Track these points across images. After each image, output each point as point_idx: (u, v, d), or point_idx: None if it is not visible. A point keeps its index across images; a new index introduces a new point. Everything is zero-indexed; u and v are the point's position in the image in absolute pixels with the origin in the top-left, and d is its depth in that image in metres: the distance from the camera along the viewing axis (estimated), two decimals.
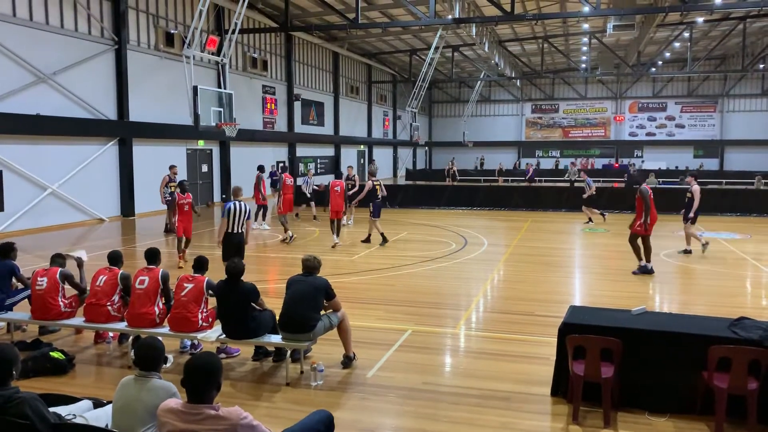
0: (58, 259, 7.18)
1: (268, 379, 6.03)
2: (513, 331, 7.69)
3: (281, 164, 20.54)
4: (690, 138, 47.85)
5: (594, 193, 19.42)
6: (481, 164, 47.32)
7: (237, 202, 9.43)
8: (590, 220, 19.15)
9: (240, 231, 9.39)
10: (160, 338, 4.07)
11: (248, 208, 9.49)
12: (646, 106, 49.18)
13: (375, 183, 14.60)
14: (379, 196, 14.60)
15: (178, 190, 12.33)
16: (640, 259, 11.12)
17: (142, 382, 3.63)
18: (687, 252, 13.16)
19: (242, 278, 6.22)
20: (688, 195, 13.06)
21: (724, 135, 47.14)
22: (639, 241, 11.12)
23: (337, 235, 14.46)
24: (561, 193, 24.55)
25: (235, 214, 9.32)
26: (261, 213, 17.50)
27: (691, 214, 12.85)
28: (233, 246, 9.35)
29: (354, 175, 17.31)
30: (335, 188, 14.62)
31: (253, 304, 6.18)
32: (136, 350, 3.82)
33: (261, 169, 17.43)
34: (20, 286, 7.48)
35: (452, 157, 43.60)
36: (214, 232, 16.20)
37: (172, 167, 16.42)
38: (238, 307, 6.07)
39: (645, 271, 11.01)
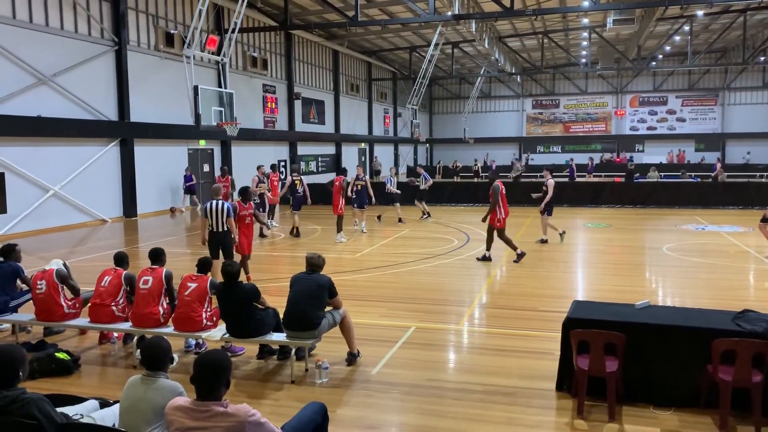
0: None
1: (273, 377, 6.05)
2: (517, 326, 7.70)
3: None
4: (691, 131, 47.77)
5: (427, 188, 19.38)
6: (527, 161, 47.12)
7: (214, 201, 9.36)
8: (426, 213, 19.11)
9: (222, 230, 9.32)
10: (165, 338, 4.08)
11: (227, 206, 9.35)
12: (646, 100, 49.11)
13: (295, 179, 15.47)
14: (299, 191, 15.33)
15: (239, 198, 10.06)
16: (514, 248, 11.82)
17: (149, 381, 3.64)
18: (543, 241, 13.99)
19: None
20: (544, 188, 13.99)
21: (725, 128, 47.06)
22: (495, 233, 11.83)
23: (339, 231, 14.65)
24: (562, 189, 24.51)
25: (213, 213, 9.28)
26: (269, 212, 17.46)
27: (542, 206, 13.97)
28: (216, 245, 9.36)
29: (363, 176, 16.66)
30: (336, 184, 14.77)
31: (256, 304, 6.20)
32: (142, 350, 3.84)
33: (273, 168, 17.43)
34: (25, 287, 7.49)
35: (486, 153, 43.36)
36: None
37: (259, 167, 15.85)
38: (239, 308, 6.08)
39: (485, 259, 11.81)
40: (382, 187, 19.34)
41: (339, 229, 14.73)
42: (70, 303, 6.86)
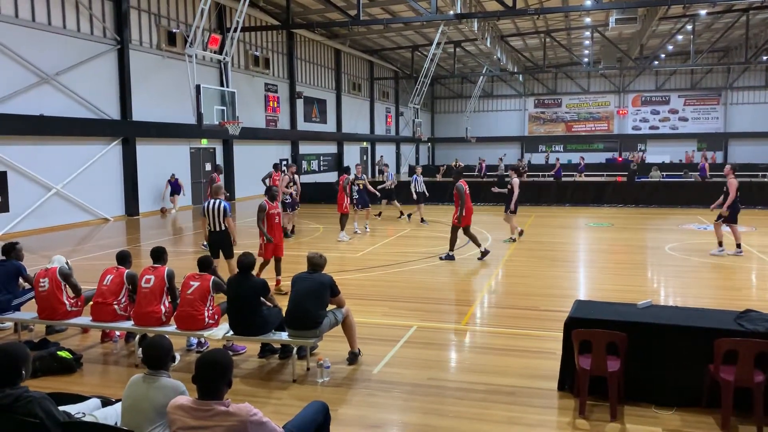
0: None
1: (274, 376, 6.06)
2: (518, 326, 7.69)
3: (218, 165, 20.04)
4: (693, 131, 47.70)
5: (392, 187, 19.13)
6: (546, 159, 47.16)
7: (211, 201, 9.31)
8: (402, 213, 18.79)
9: (219, 229, 9.27)
10: (167, 336, 4.08)
11: (224, 205, 9.27)
12: (649, 100, 49.04)
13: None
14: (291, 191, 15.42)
15: (266, 197, 9.71)
16: (451, 248, 12.06)
17: (151, 380, 3.65)
18: (512, 240, 14.24)
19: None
20: (509, 187, 14.14)
21: (728, 127, 46.96)
22: (459, 232, 11.94)
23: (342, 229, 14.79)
24: (565, 188, 24.53)
25: (210, 213, 9.24)
26: None
27: (512, 206, 14.04)
28: (214, 244, 9.34)
29: (362, 176, 16.26)
30: (340, 183, 14.88)
31: (263, 300, 6.21)
32: (144, 349, 3.85)
33: (275, 167, 17.35)
34: (27, 286, 7.50)
35: (504, 153, 43.15)
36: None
37: (290, 166, 15.67)
38: (246, 300, 6.09)
39: (484, 254, 11.95)
40: (406, 187, 19.15)
41: (342, 228, 14.75)
42: (72, 301, 6.87)
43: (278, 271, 9.59)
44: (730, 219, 12.31)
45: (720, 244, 12.45)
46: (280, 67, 30.47)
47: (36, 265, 11.01)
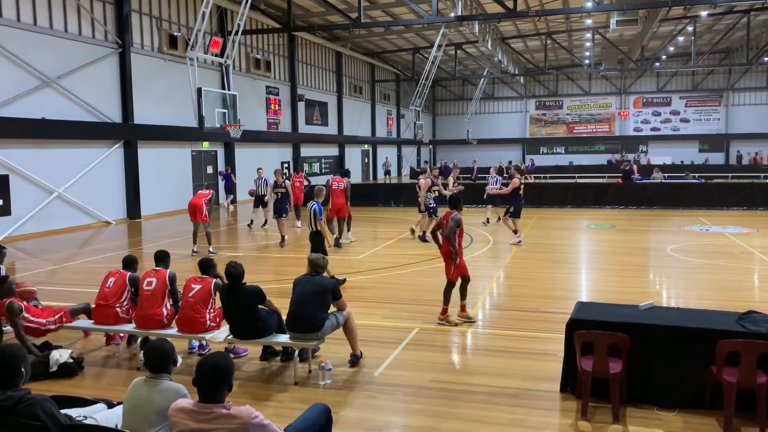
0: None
1: (276, 379, 6.05)
2: (520, 327, 7.68)
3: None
4: (695, 132, 47.70)
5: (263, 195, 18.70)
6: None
7: (311, 202, 9.87)
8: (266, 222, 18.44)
9: (314, 230, 9.71)
10: (169, 339, 4.08)
11: (314, 208, 9.66)
12: (650, 101, 49.04)
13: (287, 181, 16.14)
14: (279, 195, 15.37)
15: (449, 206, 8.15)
16: (337, 234, 13.85)
17: (153, 383, 3.65)
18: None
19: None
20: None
21: (729, 129, 46.95)
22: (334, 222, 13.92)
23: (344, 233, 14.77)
24: (566, 189, 24.52)
25: (308, 214, 9.80)
26: (294, 213, 17.36)
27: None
28: (311, 243, 9.79)
29: (436, 177, 15.64)
30: (333, 185, 14.22)
31: (261, 306, 6.19)
32: (146, 352, 3.85)
33: (296, 170, 17.34)
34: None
35: (531, 159, 43.17)
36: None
37: (432, 169, 16.24)
38: (242, 310, 6.07)
39: (337, 245, 13.49)
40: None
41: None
42: (52, 319, 6.58)
43: (464, 294, 8.00)
44: (514, 214, 13.92)
45: (515, 232, 13.97)
46: (282, 70, 30.51)
47: (36, 269, 11.03)
